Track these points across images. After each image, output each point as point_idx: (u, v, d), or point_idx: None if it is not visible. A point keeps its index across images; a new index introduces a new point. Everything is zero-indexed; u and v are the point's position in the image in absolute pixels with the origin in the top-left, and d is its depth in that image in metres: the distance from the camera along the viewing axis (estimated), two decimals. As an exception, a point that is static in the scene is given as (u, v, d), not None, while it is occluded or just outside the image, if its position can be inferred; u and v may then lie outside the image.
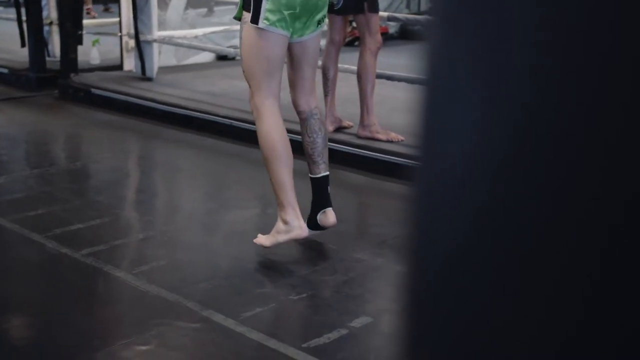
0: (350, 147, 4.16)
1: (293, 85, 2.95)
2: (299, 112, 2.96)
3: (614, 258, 0.45)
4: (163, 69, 6.12)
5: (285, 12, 2.69)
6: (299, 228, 2.79)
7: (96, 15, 9.86)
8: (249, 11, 2.71)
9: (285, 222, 2.79)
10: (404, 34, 8.30)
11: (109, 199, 3.64)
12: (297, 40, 2.82)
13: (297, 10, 2.72)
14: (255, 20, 2.69)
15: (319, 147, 2.93)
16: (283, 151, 2.77)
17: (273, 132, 2.77)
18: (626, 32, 0.45)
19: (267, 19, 2.68)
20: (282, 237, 2.81)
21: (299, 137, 2.99)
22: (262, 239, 2.86)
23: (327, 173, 2.96)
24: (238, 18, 2.80)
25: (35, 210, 3.40)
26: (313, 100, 2.96)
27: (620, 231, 0.45)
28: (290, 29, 2.75)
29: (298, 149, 2.96)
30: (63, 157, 4.66)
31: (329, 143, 4.16)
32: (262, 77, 2.75)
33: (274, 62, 2.76)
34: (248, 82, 2.82)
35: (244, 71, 2.83)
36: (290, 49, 2.84)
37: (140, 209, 3.68)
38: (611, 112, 0.45)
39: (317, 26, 2.85)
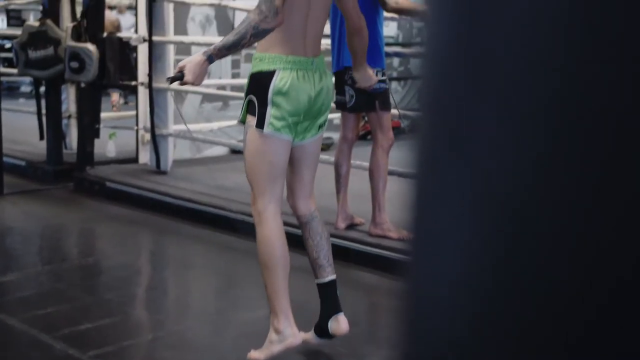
0: (362, 244, 4.15)
1: (292, 188, 2.93)
2: (299, 217, 2.93)
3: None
4: (178, 162, 6.19)
5: (290, 119, 2.71)
6: (292, 336, 2.75)
7: (119, 109, 10.02)
8: (254, 115, 2.71)
9: (278, 332, 2.74)
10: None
11: (119, 296, 3.62)
12: (298, 144, 2.83)
13: (302, 117, 2.75)
14: (260, 125, 2.70)
15: (324, 250, 2.90)
16: (281, 258, 2.74)
17: (274, 237, 2.75)
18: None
19: (272, 124, 2.69)
20: (277, 348, 2.76)
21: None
22: (256, 354, 2.80)
23: (334, 276, 2.90)
24: (243, 122, 2.81)
25: (44, 309, 3.38)
26: (312, 203, 2.93)
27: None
28: (293, 134, 2.77)
29: (300, 243, 2.94)
30: (75, 252, 4.67)
31: (341, 240, 4.19)
32: (266, 182, 2.75)
33: (278, 167, 2.76)
34: (251, 185, 2.81)
35: (247, 174, 2.82)
36: (290, 152, 2.84)
37: (151, 307, 3.65)
38: (600, 221, 0.45)
39: (319, 130, 2.87)
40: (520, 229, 0.49)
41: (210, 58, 2.56)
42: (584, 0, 0.47)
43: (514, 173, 0.50)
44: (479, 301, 0.51)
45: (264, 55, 2.70)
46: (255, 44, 2.73)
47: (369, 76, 3.20)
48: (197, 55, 2.58)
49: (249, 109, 2.74)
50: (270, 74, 2.67)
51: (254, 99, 2.70)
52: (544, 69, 0.48)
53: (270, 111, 2.68)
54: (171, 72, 5.93)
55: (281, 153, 2.75)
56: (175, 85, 2.81)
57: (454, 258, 0.54)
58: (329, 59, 4.26)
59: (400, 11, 4.10)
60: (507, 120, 0.50)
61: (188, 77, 2.57)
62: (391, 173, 4.38)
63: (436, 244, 0.55)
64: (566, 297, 0.47)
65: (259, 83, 2.70)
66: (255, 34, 2.53)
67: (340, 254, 4.11)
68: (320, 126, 2.87)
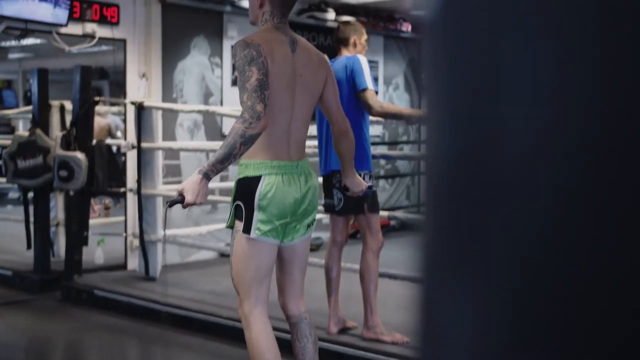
0: (355, 349, 4.07)
1: (282, 289, 2.95)
2: (288, 317, 2.94)
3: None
4: (167, 267, 6.13)
5: (277, 222, 2.74)
6: None
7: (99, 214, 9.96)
8: (241, 220, 2.75)
9: None
10: (405, 225, 8.41)
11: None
12: (287, 245, 2.86)
13: (288, 219, 2.78)
14: (247, 230, 2.73)
15: (310, 353, 2.90)
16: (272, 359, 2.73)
17: (262, 340, 2.75)
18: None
19: (258, 229, 2.72)
20: None
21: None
22: None
23: None
24: (230, 227, 2.83)
25: None
26: (302, 304, 2.95)
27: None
28: (281, 236, 2.80)
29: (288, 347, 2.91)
30: (62, 365, 4.55)
31: (334, 345, 4.12)
32: (252, 285, 2.77)
33: (264, 271, 2.79)
34: (237, 289, 2.82)
35: (232, 279, 2.84)
36: (279, 252, 2.87)
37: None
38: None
39: (307, 230, 2.90)
40: (531, 330, 0.49)
41: (207, 175, 2.59)
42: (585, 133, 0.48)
43: (521, 275, 0.51)
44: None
45: (249, 162, 2.75)
46: None
47: (358, 182, 3.23)
48: (193, 175, 2.60)
49: (236, 214, 2.78)
50: (256, 180, 2.72)
51: (241, 204, 2.74)
52: (545, 175, 0.49)
53: (257, 216, 2.71)
54: (160, 178, 5.97)
55: (267, 257, 2.78)
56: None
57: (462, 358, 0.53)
58: (315, 159, 4.30)
59: (385, 115, 4.16)
60: (510, 224, 0.50)
61: (188, 197, 2.58)
62: (382, 275, 4.35)
63: (444, 345, 0.54)
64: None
65: (246, 189, 2.74)
66: (244, 141, 2.57)
67: (334, 359, 4.04)
68: (309, 226, 2.90)
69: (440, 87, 0.57)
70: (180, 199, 2.59)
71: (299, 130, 2.84)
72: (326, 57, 3.08)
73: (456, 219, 0.55)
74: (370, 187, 4.10)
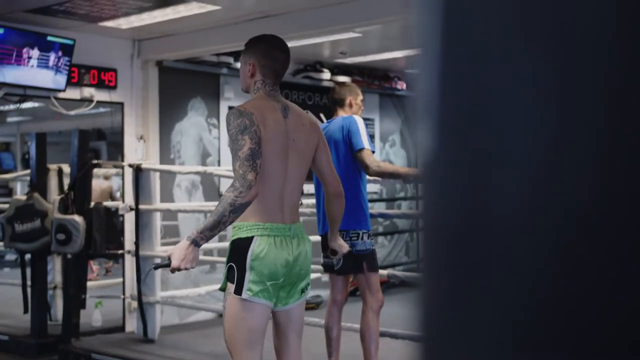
0: (357, 411, 4.01)
1: (279, 354, 2.95)
2: None
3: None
4: (165, 329, 6.08)
5: (268, 283, 2.74)
6: None
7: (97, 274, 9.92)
8: (232, 282, 2.75)
9: None
10: (405, 282, 8.36)
11: None
12: (281, 309, 2.86)
13: (281, 281, 2.78)
14: (238, 291, 2.73)
15: None
16: None
17: None
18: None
19: (250, 289, 2.72)
20: None
21: None
22: None
23: None
24: (223, 289, 2.83)
25: None
26: None
27: None
28: (274, 299, 2.79)
29: None
30: None
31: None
32: (245, 348, 2.76)
33: (256, 333, 2.77)
34: (230, 352, 2.81)
35: (225, 341, 2.83)
36: (274, 317, 2.87)
37: None
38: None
39: (302, 294, 2.90)
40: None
41: (195, 242, 2.63)
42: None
43: (521, 330, 0.51)
44: None
45: (242, 224, 2.77)
46: None
47: (340, 245, 3.35)
48: (182, 241, 2.65)
49: (228, 276, 2.78)
50: (248, 241, 2.74)
51: (234, 265, 2.75)
52: (538, 238, 0.50)
53: (249, 277, 2.72)
54: (158, 239, 5.96)
55: (259, 318, 2.77)
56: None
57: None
58: (313, 218, 4.30)
59: (382, 174, 4.19)
60: (508, 281, 0.51)
61: (174, 262, 2.64)
62: (383, 334, 4.31)
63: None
64: None
65: (238, 250, 2.76)
66: (234, 210, 2.60)
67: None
68: (303, 290, 2.91)
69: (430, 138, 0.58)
70: (166, 263, 2.67)
71: (293, 194, 2.87)
72: (318, 121, 3.13)
73: (454, 274, 0.56)
74: (368, 243, 4.12)
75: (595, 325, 0.48)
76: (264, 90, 2.90)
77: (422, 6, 0.59)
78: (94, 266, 9.01)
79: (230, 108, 7.12)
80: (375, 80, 8.41)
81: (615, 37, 0.48)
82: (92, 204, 5.87)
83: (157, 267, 2.72)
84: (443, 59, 0.57)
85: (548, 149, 0.50)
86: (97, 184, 8.34)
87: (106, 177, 8.52)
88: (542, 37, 0.50)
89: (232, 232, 2.82)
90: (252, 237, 2.74)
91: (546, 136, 0.50)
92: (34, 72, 5.78)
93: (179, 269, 2.64)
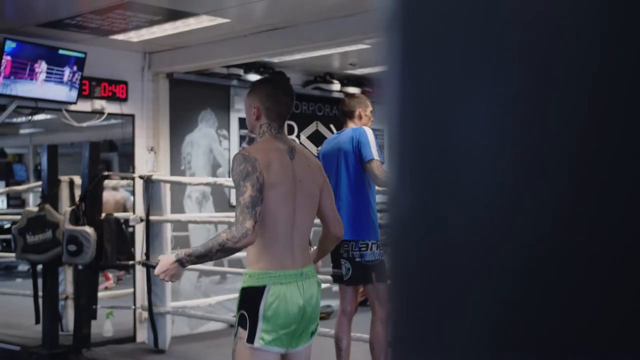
0: (367, 422, 4.02)
1: None
2: None
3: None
4: (176, 339, 6.10)
5: (281, 332, 2.72)
6: None
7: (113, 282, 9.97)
8: (245, 329, 2.72)
9: None
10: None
11: None
12: (290, 352, 2.82)
13: (293, 327, 2.76)
14: (251, 340, 2.70)
15: None
16: None
17: None
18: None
19: (262, 338, 2.69)
20: None
21: None
22: None
23: None
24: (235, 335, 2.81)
25: None
26: None
27: None
28: (285, 344, 2.77)
29: None
30: None
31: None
32: None
33: None
34: None
35: None
36: (283, 359, 2.83)
37: None
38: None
39: (311, 337, 2.88)
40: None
41: (180, 261, 2.73)
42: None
43: (491, 340, 0.52)
44: None
45: (253, 272, 2.75)
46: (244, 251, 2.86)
47: (318, 267, 3.28)
48: (171, 255, 2.78)
49: (240, 322, 2.75)
50: (260, 290, 2.71)
51: (245, 313, 2.72)
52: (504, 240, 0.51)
53: (261, 326, 2.69)
54: (168, 250, 5.99)
55: None
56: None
57: None
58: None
59: (391, 185, 4.19)
60: (477, 285, 0.52)
61: (157, 270, 2.76)
62: (392, 345, 4.31)
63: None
64: None
65: (250, 299, 2.73)
66: (222, 250, 2.64)
67: None
68: (313, 333, 2.88)
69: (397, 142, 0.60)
70: (153, 266, 2.83)
71: (302, 236, 2.85)
72: (321, 165, 3.11)
73: (419, 280, 0.57)
74: (377, 254, 4.13)
75: (565, 333, 0.49)
76: (269, 133, 2.88)
77: (385, 24, 0.61)
78: (109, 274, 9.06)
79: (240, 119, 7.16)
80: (384, 90, 8.42)
81: (583, 60, 0.50)
82: (103, 215, 5.91)
83: (144, 265, 2.89)
84: (404, 81, 0.58)
85: (507, 174, 0.52)
86: (111, 196, 8.38)
87: (114, 189, 8.56)
88: (505, 61, 0.52)
89: (243, 278, 2.80)
90: (264, 286, 2.71)
91: (506, 160, 0.52)
92: (45, 85, 5.84)
93: (158, 277, 2.76)
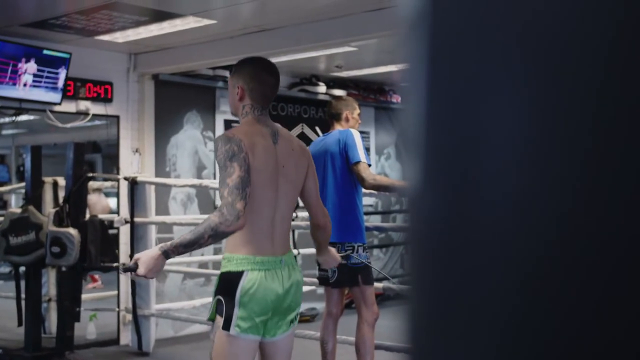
0: None
1: None
2: None
3: None
4: (160, 342, 6.07)
5: (257, 319, 2.67)
6: None
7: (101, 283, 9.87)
8: (221, 315, 2.66)
9: None
10: (400, 294, 8.37)
11: None
12: (268, 340, 2.77)
13: (270, 315, 2.71)
14: (227, 327, 2.64)
15: None
16: None
17: None
18: None
19: (238, 326, 2.64)
20: None
21: None
22: None
23: None
24: (212, 319, 2.75)
25: None
26: None
27: None
28: (262, 331, 2.72)
29: None
30: None
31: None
32: None
33: None
34: None
35: None
36: (261, 347, 2.78)
37: None
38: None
39: (290, 325, 2.82)
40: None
41: (166, 254, 2.52)
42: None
43: (512, 340, 0.52)
44: None
45: (232, 256, 2.69)
46: (223, 241, 2.74)
47: (332, 257, 3.22)
48: (153, 249, 2.56)
49: (217, 308, 2.69)
50: (238, 275, 2.66)
51: (222, 299, 2.67)
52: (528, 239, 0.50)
53: (237, 312, 2.64)
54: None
55: (247, 354, 2.70)
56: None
57: None
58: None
59: (378, 187, 4.20)
60: (497, 287, 0.51)
61: (141, 269, 2.53)
62: (378, 347, 4.31)
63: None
64: None
65: (227, 284, 2.68)
66: (214, 235, 2.50)
67: None
68: (292, 322, 2.82)
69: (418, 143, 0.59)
70: (134, 267, 2.55)
71: (283, 222, 2.79)
72: (306, 146, 3.05)
73: (440, 284, 0.57)
74: (364, 257, 4.13)
75: (586, 338, 0.49)
76: (252, 115, 2.82)
77: (409, 24, 0.60)
78: (96, 275, 8.98)
79: (225, 121, 7.14)
80: (370, 93, 8.44)
81: (608, 62, 0.50)
82: (87, 216, 5.87)
83: (125, 270, 2.61)
84: (429, 81, 0.58)
85: (533, 173, 0.51)
86: (98, 199, 8.31)
87: (96, 190, 8.50)
88: (537, 63, 0.51)
89: (222, 263, 2.73)
90: (242, 272, 2.65)
91: (532, 160, 0.51)
92: (29, 85, 5.79)
93: (145, 277, 2.55)
